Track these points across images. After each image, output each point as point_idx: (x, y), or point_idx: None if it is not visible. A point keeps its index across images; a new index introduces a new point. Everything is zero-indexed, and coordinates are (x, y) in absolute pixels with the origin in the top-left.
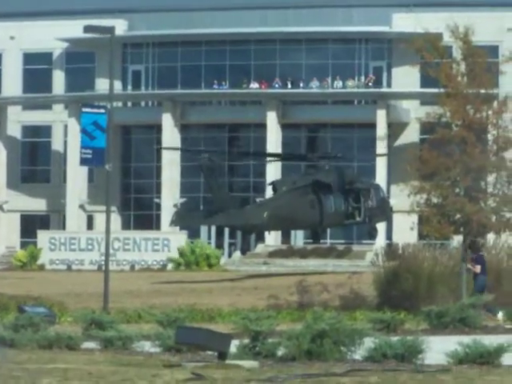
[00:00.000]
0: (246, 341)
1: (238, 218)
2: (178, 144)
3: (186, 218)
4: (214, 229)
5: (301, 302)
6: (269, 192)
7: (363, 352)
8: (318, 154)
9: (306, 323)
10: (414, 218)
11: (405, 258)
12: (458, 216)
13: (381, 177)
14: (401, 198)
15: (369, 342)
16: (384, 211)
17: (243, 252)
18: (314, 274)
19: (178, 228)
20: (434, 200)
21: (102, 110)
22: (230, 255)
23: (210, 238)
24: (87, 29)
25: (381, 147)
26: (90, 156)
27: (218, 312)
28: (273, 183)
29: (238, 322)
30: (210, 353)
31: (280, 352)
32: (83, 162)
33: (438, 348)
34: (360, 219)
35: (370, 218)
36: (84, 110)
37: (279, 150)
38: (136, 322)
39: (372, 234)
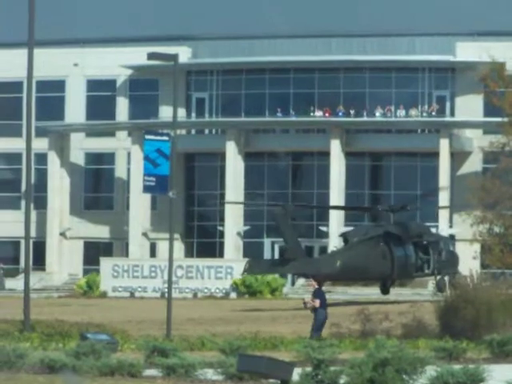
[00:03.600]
0: (309, 369)
1: (310, 266)
2: (242, 172)
3: (258, 267)
4: (277, 255)
5: (363, 331)
6: (332, 238)
7: (425, 381)
8: (385, 206)
9: (369, 351)
10: (477, 247)
11: (466, 287)
12: None
13: (443, 205)
14: (463, 227)
15: (431, 371)
16: (453, 264)
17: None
18: (375, 303)
19: (240, 255)
20: (497, 229)
21: (166, 138)
22: (293, 283)
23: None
24: (151, 56)
25: (443, 177)
26: (153, 183)
27: (281, 340)
28: (344, 234)
29: (300, 350)
30: (272, 381)
31: (342, 380)
32: (146, 189)
33: (500, 376)
34: (429, 271)
35: (438, 270)
36: (147, 137)
37: (343, 179)
38: (199, 350)
39: (440, 288)
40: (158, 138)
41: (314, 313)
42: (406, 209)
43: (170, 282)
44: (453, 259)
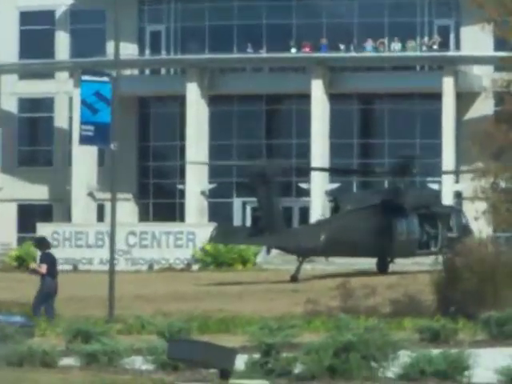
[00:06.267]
0: (257, 356)
1: (289, 239)
2: (206, 119)
3: (227, 235)
4: (249, 219)
5: (344, 308)
6: (315, 198)
7: (397, 369)
8: (385, 169)
9: (329, 334)
10: (480, 206)
11: (470, 253)
12: None
13: (448, 158)
14: (472, 182)
15: (405, 357)
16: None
17: (293, 279)
18: (364, 274)
19: (205, 219)
20: (502, 184)
21: (106, 78)
22: (268, 251)
23: (249, 228)
24: None
25: (448, 123)
26: (91, 133)
27: (238, 320)
28: (335, 199)
29: (254, 332)
30: (212, 371)
31: (297, 369)
32: (83, 140)
33: (490, 363)
34: (435, 249)
35: (448, 249)
36: (84, 78)
37: (326, 126)
38: (138, 333)
39: None
40: (97, 78)
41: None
42: (410, 173)
43: (112, 250)
44: (465, 235)
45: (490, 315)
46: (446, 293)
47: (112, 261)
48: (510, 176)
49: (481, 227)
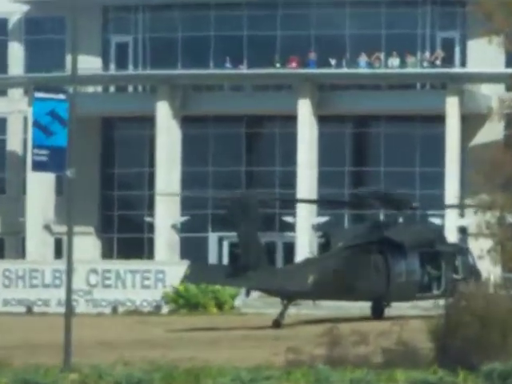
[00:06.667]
0: None
1: (272, 280)
2: (178, 143)
3: (203, 275)
4: (226, 256)
5: (330, 358)
6: (301, 233)
7: None
8: (380, 195)
9: None
10: (486, 243)
11: (470, 298)
12: None
13: (452, 189)
14: (478, 217)
15: None
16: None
17: (276, 324)
18: (355, 319)
19: (176, 256)
20: (510, 219)
21: (62, 96)
22: (248, 293)
23: (226, 267)
24: None
25: (452, 149)
26: (45, 158)
27: (209, 371)
28: (325, 234)
29: None
30: None
31: None
32: (36, 166)
33: None
34: (438, 293)
35: (452, 292)
36: (37, 95)
37: (315, 152)
38: None
39: None
40: (52, 95)
41: None
42: (411, 207)
43: (69, 290)
44: (472, 276)
45: (494, 367)
46: (446, 341)
47: (69, 302)
48: None
49: (489, 267)
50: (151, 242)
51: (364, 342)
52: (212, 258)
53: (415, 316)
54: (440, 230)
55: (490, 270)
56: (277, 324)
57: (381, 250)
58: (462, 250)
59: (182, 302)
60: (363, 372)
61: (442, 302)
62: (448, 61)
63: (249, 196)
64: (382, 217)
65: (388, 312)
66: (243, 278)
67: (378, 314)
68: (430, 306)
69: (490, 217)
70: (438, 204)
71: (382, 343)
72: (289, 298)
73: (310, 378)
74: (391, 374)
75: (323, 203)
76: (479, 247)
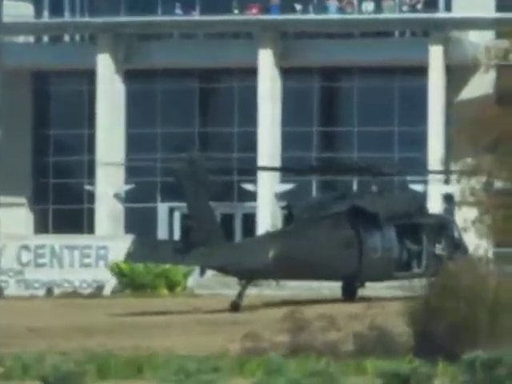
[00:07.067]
0: None
1: (228, 256)
2: (122, 100)
3: (149, 252)
4: (177, 227)
5: (293, 346)
6: (262, 202)
7: None
8: (350, 164)
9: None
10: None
11: (454, 277)
12: None
13: (435, 151)
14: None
15: None
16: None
17: (234, 307)
18: (324, 301)
19: (121, 229)
20: (499, 184)
21: None
22: (202, 272)
23: (177, 242)
24: None
25: (435, 104)
26: None
27: (152, 361)
28: (288, 206)
29: (165, 377)
30: None
31: None
32: None
33: None
34: (420, 271)
35: (435, 270)
36: None
37: (277, 109)
38: (20, 379)
39: None
40: None
41: None
42: (390, 173)
43: None
44: (458, 252)
45: (477, 356)
46: (426, 326)
47: None
48: (509, 174)
49: (478, 241)
50: (91, 213)
51: (333, 327)
52: (162, 232)
53: (393, 297)
54: (420, 198)
55: (478, 244)
56: (235, 307)
57: (352, 222)
58: (445, 221)
59: (127, 282)
60: (327, 362)
61: (422, 281)
62: (431, 4)
63: (196, 159)
64: (355, 184)
65: (361, 293)
66: (194, 255)
67: (349, 295)
68: (410, 286)
69: (475, 183)
70: (420, 168)
71: (353, 328)
72: (247, 277)
73: (268, 368)
74: (360, 363)
75: (288, 170)
76: (463, 217)
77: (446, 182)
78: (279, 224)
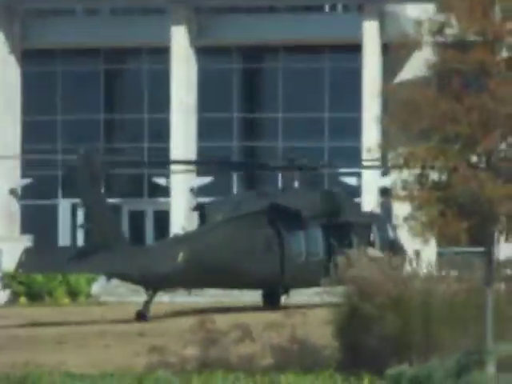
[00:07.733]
0: None
1: (132, 261)
2: (16, 82)
3: (43, 260)
4: (81, 231)
5: (204, 360)
6: (176, 198)
7: None
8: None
9: None
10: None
11: (379, 282)
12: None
13: (370, 140)
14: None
15: None
16: None
17: (141, 317)
18: (241, 309)
19: (16, 229)
20: (433, 176)
21: None
22: (108, 277)
23: (75, 248)
24: None
25: (369, 86)
26: None
27: (44, 380)
28: (200, 206)
29: None
30: None
31: None
32: None
33: None
34: None
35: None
36: None
37: (193, 93)
38: None
39: None
40: None
41: None
42: (315, 168)
43: None
44: (393, 253)
45: (402, 370)
46: (352, 337)
47: None
48: (444, 164)
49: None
50: None
51: (249, 338)
52: (64, 232)
53: (321, 304)
54: (351, 193)
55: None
56: (141, 316)
57: (272, 221)
58: (378, 218)
59: (22, 290)
60: (236, 377)
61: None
62: None
63: (91, 154)
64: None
65: (286, 300)
66: (93, 262)
67: (272, 301)
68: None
69: (407, 175)
70: (353, 159)
71: (272, 340)
72: (152, 286)
73: None
74: (273, 379)
75: (203, 164)
76: (395, 213)
77: (384, 174)
78: (195, 223)
